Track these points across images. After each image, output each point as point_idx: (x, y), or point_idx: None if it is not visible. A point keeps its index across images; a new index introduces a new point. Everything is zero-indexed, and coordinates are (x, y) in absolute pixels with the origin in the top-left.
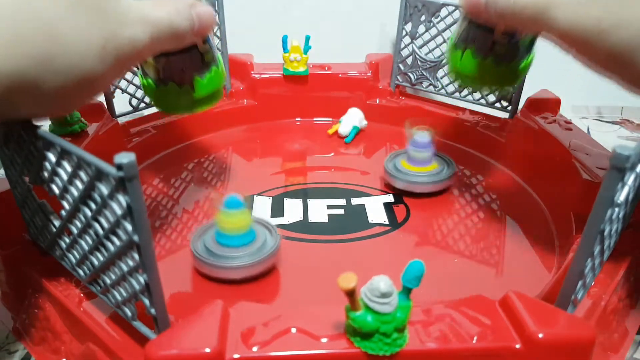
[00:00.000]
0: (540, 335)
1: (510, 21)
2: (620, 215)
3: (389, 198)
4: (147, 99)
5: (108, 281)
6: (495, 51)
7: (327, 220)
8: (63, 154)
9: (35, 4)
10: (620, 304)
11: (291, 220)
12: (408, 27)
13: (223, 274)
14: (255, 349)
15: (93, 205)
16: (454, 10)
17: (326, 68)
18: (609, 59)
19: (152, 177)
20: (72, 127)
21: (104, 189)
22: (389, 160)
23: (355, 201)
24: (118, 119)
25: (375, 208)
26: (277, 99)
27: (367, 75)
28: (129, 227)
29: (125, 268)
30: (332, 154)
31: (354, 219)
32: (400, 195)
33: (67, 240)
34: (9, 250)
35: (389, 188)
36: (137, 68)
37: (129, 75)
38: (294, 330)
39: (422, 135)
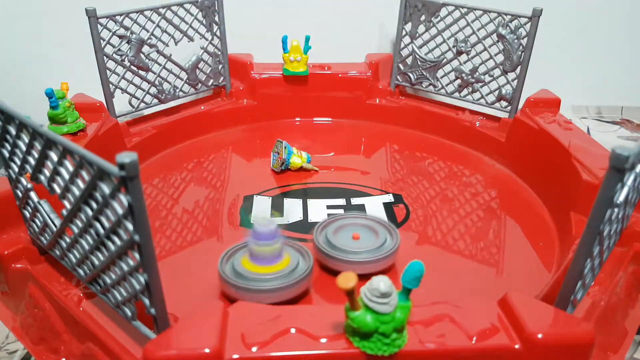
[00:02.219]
0: (540, 336)
1: None
2: (620, 216)
3: (389, 198)
4: (147, 99)
5: (108, 281)
6: None
7: None
8: (65, 153)
9: None
10: (620, 304)
11: (291, 220)
12: (408, 27)
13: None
14: (254, 349)
15: (94, 205)
16: (454, 10)
17: (326, 68)
18: None
19: (152, 177)
20: (72, 127)
21: (106, 188)
22: (225, 259)
23: (355, 201)
24: (118, 119)
25: (375, 208)
26: (277, 99)
27: (367, 75)
28: (130, 226)
29: (125, 268)
30: (332, 153)
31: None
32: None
33: (68, 240)
34: (9, 250)
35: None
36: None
37: (128, 75)
38: (293, 330)
39: (265, 223)
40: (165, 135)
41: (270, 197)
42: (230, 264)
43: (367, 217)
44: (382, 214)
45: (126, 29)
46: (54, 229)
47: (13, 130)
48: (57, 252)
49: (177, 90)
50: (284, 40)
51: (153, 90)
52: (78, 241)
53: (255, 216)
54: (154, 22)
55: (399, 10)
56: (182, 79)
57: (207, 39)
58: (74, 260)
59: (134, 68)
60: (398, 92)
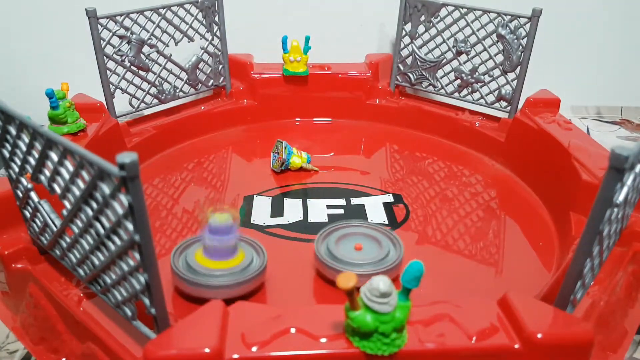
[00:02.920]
0: (539, 336)
1: None
2: (620, 216)
3: (389, 198)
4: (147, 99)
5: (108, 281)
6: None
7: (327, 220)
8: (65, 153)
9: None
10: (619, 304)
11: (291, 220)
12: (408, 27)
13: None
14: (254, 349)
15: (94, 205)
16: (454, 10)
17: (326, 68)
18: None
19: (152, 177)
20: (72, 127)
21: (106, 188)
22: (177, 254)
23: (355, 201)
24: (118, 119)
25: (375, 208)
26: (277, 99)
27: (366, 75)
28: (130, 226)
29: (125, 267)
30: (332, 153)
31: (354, 219)
32: None
33: (68, 240)
34: (9, 250)
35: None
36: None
37: (129, 75)
38: (293, 330)
39: (221, 219)
40: (166, 136)
41: (270, 197)
42: (184, 258)
43: (370, 225)
44: (382, 214)
45: (126, 29)
46: (54, 229)
47: (13, 131)
48: (58, 252)
49: (177, 91)
50: (284, 41)
51: (153, 90)
52: (78, 241)
53: (211, 211)
54: (154, 23)
55: (399, 10)
56: (182, 79)
57: (207, 39)
58: (74, 260)
59: (134, 68)
60: (398, 92)
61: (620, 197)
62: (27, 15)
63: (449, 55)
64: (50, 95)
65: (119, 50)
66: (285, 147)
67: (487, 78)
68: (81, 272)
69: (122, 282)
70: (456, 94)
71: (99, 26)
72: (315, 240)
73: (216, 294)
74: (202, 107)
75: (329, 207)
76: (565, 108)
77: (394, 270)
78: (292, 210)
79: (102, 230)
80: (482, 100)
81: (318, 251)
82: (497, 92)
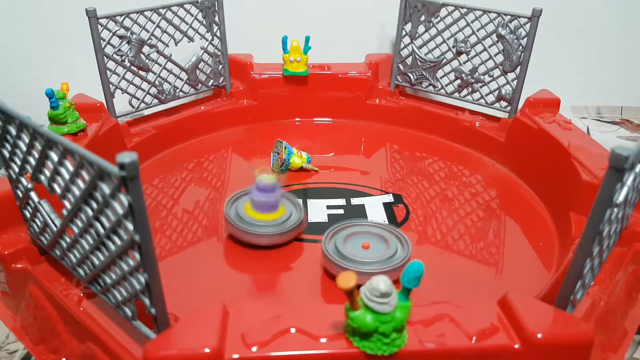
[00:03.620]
0: (539, 336)
1: None
2: (620, 216)
3: (389, 198)
4: (147, 99)
5: (108, 281)
6: None
7: (327, 220)
8: (65, 153)
9: None
10: (620, 304)
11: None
12: (408, 27)
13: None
14: (254, 349)
15: (94, 205)
16: (454, 10)
17: (326, 68)
18: None
19: (152, 177)
20: (72, 127)
21: (106, 188)
22: (229, 204)
23: (355, 201)
24: (118, 119)
25: (375, 208)
26: (277, 99)
27: (366, 75)
28: (130, 226)
29: (125, 267)
30: (332, 153)
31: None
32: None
33: (68, 240)
34: (9, 250)
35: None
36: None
37: (129, 75)
38: (293, 330)
39: (267, 179)
40: (166, 136)
41: None
42: (235, 208)
43: (378, 224)
44: (382, 214)
45: (126, 29)
46: (54, 229)
47: (13, 131)
48: (58, 252)
49: (177, 91)
50: (284, 41)
51: (153, 90)
52: (78, 241)
53: (259, 171)
54: (154, 23)
55: (399, 10)
56: (182, 80)
57: (207, 40)
58: (74, 260)
59: (134, 68)
60: (398, 93)
61: (620, 197)
62: (27, 15)
63: (449, 55)
64: (50, 95)
65: (119, 50)
66: (285, 147)
67: (487, 78)
68: (81, 272)
69: (122, 282)
70: (456, 94)
71: (99, 26)
72: (323, 238)
73: (261, 240)
74: (202, 107)
75: (329, 207)
76: (566, 108)
77: (401, 268)
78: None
79: (102, 230)
80: (482, 100)
81: (326, 249)
82: (497, 92)
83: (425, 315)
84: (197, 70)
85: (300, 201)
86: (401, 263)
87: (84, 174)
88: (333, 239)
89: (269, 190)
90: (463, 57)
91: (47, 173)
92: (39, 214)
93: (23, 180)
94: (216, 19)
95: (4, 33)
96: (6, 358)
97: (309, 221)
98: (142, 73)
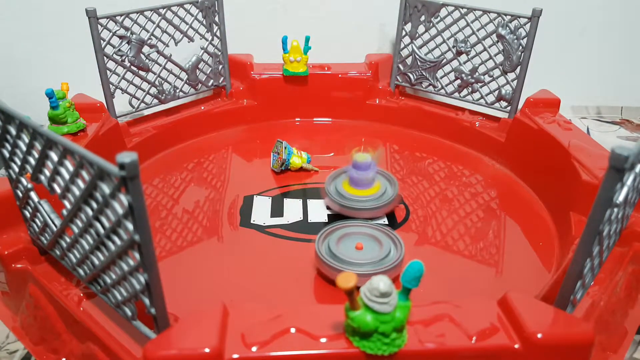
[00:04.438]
0: (539, 336)
1: None
2: (620, 216)
3: None
4: (147, 99)
5: (108, 281)
6: None
7: (327, 220)
8: (65, 153)
9: None
10: (620, 304)
11: (291, 220)
12: (408, 27)
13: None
14: (254, 348)
15: (94, 205)
16: (454, 10)
17: (326, 68)
18: None
19: (152, 177)
20: (72, 127)
21: (106, 188)
22: (329, 182)
23: None
24: (118, 119)
25: None
26: (277, 99)
27: (366, 75)
28: (130, 226)
29: (125, 267)
30: (332, 154)
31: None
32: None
33: (68, 240)
34: (9, 250)
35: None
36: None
37: (129, 75)
38: (293, 330)
39: (364, 157)
40: (166, 136)
41: (270, 197)
42: (334, 186)
43: (372, 225)
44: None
45: (126, 29)
46: (54, 229)
47: (13, 131)
48: (57, 252)
49: (177, 91)
50: (284, 41)
51: (153, 90)
52: (78, 241)
53: (355, 150)
54: (154, 23)
55: (399, 10)
56: (182, 80)
57: (207, 40)
58: (74, 260)
59: (134, 68)
60: (398, 93)
61: (620, 197)
62: (27, 15)
63: (449, 55)
64: (50, 95)
65: (119, 50)
66: (285, 147)
67: (487, 78)
68: (81, 272)
69: (122, 282)
70: (456, 94)
71: (99, 26)
72: (316, 239)
73: (360, 214)
74: (202, 107)
75: (329, 207)
76: (566, 108)
77: (394, 269)
78: (292, 210)
79: (102, 230)
80: (482, 100)
81: (319, 250)
82: (497, 92)
83: (425, 315)
84: (197, 70)
85: (395, 178)
86: (394, 264)
87: (84, 173)
88: (326, 241)
89: (365, 168)
90: (463, 57)
91: (47, 173)
92: (39, 214)
93: (23, 180)
94: (216, 19)
95: (4, 33)
96: (6, 358)
97: (309, 221)
98: (142, 73)
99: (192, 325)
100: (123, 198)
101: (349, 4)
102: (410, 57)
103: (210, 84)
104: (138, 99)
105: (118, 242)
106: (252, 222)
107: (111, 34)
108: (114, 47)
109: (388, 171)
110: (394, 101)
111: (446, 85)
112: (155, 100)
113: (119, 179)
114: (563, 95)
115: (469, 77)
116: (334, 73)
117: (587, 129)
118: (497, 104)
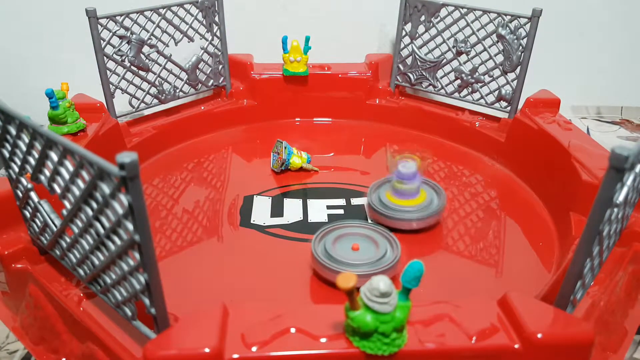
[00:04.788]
0: (539, 336)
1: None
2: (620, 216)
3: None
4: (147, 99)
5: (108, 281)
6: None
7: (327, 220)
8: (65, 153)
9: None
10: (620, 304)
11: (291, 220)
12: (408, 27)
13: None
14: (254, 348)
15: (94, 205)
16: (454, 10)
17: (326, 68)
18: None
19: (152, 177)
20: (72, 127)
21: (106, 188)
22: (371, 192)
23: (355, 201)
24: (118, 119)
25: None
26: (277, 99)
27: (366, 75)
28: (130, 226)
29: (125, 267)
30: (332, 154)
31: (354, 219)
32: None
33: (68, 240)
34: (9, 250)
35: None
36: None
37: (129, 75)
38: (293, 330)
39: (408, 166)
40: (166, 136)
41: (270, 198)
42: (377, 195)
43: (368, 225)
44: None
45: (126, 29)
46: (54, 229)
47: (13, 131)
48: (57, 252)
49: (177, 91)
50: (284, 41)
51: (153, 90)
52: (78, 241)
53: (399, 158)
54: (154, 23)
55: (399, 10)
56: (182, 79)
57: (207, 40)
58: (74, 260)
59: (134, 68)
60: (398, 93)
61: (620, 197)
62: (27, 16)
63: (449, 55)
64: (50, 95)
65: (119, 50)
66: (285, 147)
67: (487, 78)
68: (81, 272)
69: (122, 282)
70: (456, 94)
71: (99, 26)
72: (312, 240)
73: (406, 225)
74: (202, 107)
75: (329, 207)
76: (566, 108)
77: (391, 270)
78: (292, 210)
79: (102, 230)
80: (482, 101)
81: (315, 251)
82: (497, 92)
83: (425, 315)
84: (197, 70)
85: (442, 188)
86: (391, 265)
87: (84, 174)
88: (322, 242)
89: (410, 178)
90: (463, 57)
91: (47, 173)
92: (39, 214)
93: (23, 180)
94: (216, 19)
95: (4, 33)
96: (6, 358)
97: (309, 221)
98: (142, 73)
99: (192, 325)
100: (123, 198)
101: (349, 4)
102: (410, 57)
103: (210, 84)
104: (138, 99)
105: (118, 242)
106: (252, 222)
107: (111, 34)
108: (114, 47)
109: (388, 170)
110: (394, 101)
111: (446, 85)
112: (155, 100)
113: (119, 179)
114: (563, 95)
115: (469, 77)
116: (334, 73)
117: (587, 129)
118: (497, 104)
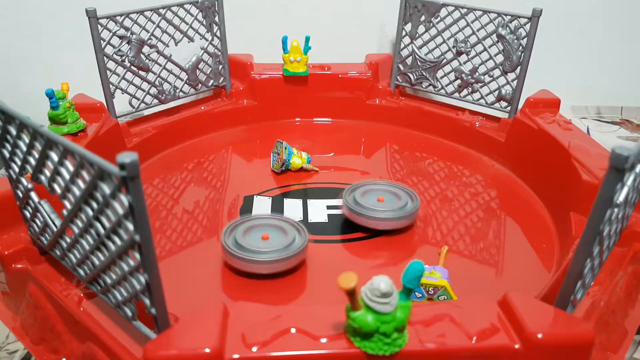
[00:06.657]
0: (540, 336)
1: None
2: (620, 216)
3: None
4: (147, 99)
5: (108, 281)
6: None
7: (327, 220)
8: (65, 153)
9: None
10: (620, 304)
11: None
12: (408, 27)
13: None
14: (254, 349)
15: (95, 205)
16: (454, 10)
17: (326, 68)
18: None
19: (152, 177)
20: (72, 127)
21: (106, 188)
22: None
23: None
24: (118, 119)
25: None
26: (277, 99)
27: (367, 75)
28: (130, 226)
29: (126, 267)
30: (332, 154)
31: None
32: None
33: (68, 240)
34: (9, 251)
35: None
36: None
37: (129, 76)
38: (293, 330)
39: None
40: (166, 136)
41: (270, 198)
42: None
43: (276, 217)
44: None
45: (126, 29)
46: (55, 229)
47: (13, 131)
48: (58, 252)
49: (178, 91)
50: (284, 41)
51: (153, 90)
52: (78, 241)
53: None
54: (154, 23)
55: (399, 10)
56: (182, 80)
57: (207, 40)
58: (74, 260)
59: (134, 68)
60: (398, 93)
61: (621, 197)
62: (27, 15)
63: (449, 55)
64: (50, 95)
65: (119, 50)
66: (285, 148)
67: (487, 78)
68: (81, 272)
69: (122, 282)
70: (456, 94)
71: (99, 26)
72: (223, 232)
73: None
74: (202, 107)
75: (329, 207)
76: (566, 108)
77: (300, 255)
78: (292, 210)
79: (102, 230)
80: (482, 101)
81: (225, 243)
82: (497, 92)
83: (426, 315)
84: (197, 70)
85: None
86: (299, 250)
87: (84, 174)
88: (233, 234)
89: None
90: (463, 57)
91: (47, 173)
92: (39, 214)
93: (23, 180)
94: (216, 19)
95: (4, 33)
96: (6, 358)
97: (309, 221)
98: (142, 73)
99: (192, 325)
100: (123, 198)
101: (349, 4)
102: (410, 57)
103: (210, 84)
104: (138, 99)
105: (118, 242)
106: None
107: (111, 34)
108: (114, 47)
109: (388, 170)
110: (394, 101)
111: (446, 85)
112: (155, 100)
113: (119, 179)
114: (563, 95)
115: (469, 77)
116: (334, 73)
117: (587, 129)
118: (497, 104)
